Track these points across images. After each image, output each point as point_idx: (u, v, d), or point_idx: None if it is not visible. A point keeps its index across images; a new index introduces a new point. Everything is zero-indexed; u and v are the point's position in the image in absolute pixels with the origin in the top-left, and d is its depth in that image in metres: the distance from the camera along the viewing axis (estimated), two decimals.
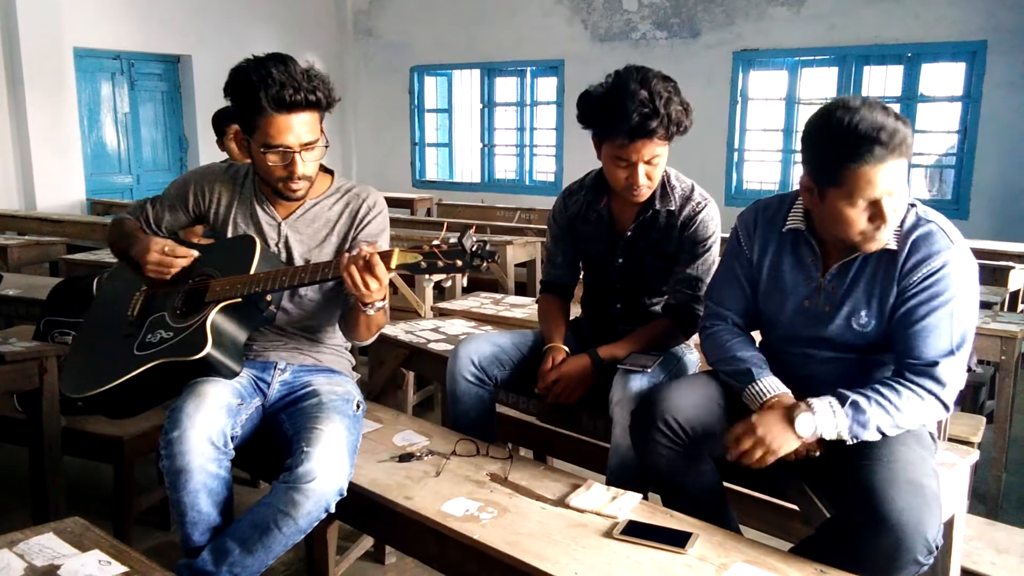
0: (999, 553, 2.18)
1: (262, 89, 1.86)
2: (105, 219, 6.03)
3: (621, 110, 2.02)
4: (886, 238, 1.70)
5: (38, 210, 6.99)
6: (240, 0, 8.85)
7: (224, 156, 3.95)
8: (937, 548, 1.53)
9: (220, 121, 3.88)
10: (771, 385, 1.80)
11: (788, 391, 1.79)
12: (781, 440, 1.67)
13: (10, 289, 3.58)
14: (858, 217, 1.65)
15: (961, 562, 2.02)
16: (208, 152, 8.41)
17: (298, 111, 1.91)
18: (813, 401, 1.68)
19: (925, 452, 1.70)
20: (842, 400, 1.68)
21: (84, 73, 7.67)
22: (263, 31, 9.06)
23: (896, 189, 1.63)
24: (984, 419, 3.12)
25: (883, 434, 1.67)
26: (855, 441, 1.68)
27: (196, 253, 2.01)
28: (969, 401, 3.78)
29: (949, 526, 1.83)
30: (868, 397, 1.67)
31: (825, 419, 1.66)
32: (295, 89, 1.88)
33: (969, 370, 2.60)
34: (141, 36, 7.99)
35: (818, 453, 1.72)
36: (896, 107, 7.32)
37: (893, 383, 1.69)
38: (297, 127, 1.91)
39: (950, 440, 2.52)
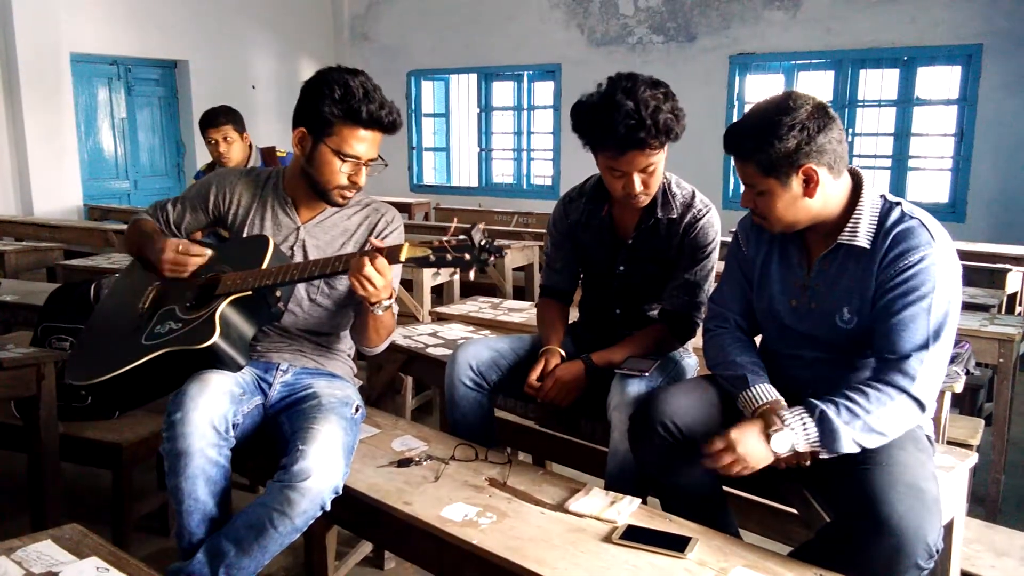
0: (998, 556, 2.18)
1: (364, 103, 1.95)
2: (103, 225, 6.03)
3: (608, 123, 2.01)
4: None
5: (35, 215, 6.98)
6: (237, 5, 8.86)
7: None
8: (938, 552, 1.53)
9: (200, 124, 4.01)
10: (764, 392, 1.80)
11: (781, 399, 1.79)
12: (759, 457, 1.67)
13: (7, 295, 3.57)
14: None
15: (960, 565, 2.03)
16: (205, 157, 8.38)
17: (379, 130, 2.02)
18: (787, 416, 1.67)
19: (923, 455, 1.70)
20: (811, 411, 1.66)
21: (81, 78, 7.66)
22: (260, 36, 9.07)
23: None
24: (983, 422, 3.13)
25: (861, 445, 1.64)
26: (833, 455, 1.65)
27: (210, 252, 2.07)
28: (967, 404, 3.78)
29: (948, 529, 1.83)
30: (837, 405, 1.64)
31: (799, 434, 1.65)
32: (388, 111, 2.00)
33: (967, 373, 2.63)
34: (138, 41, 7.99)
35: (808, 463, 1.71)
36: (892, 111, 7.39)
37: (862, 386, 1.68)
38: (372, 143, 2.03)
39: (948, 443, 2.52)
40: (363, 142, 2.00)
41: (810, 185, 1.72)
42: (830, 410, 1.64)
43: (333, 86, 1.96)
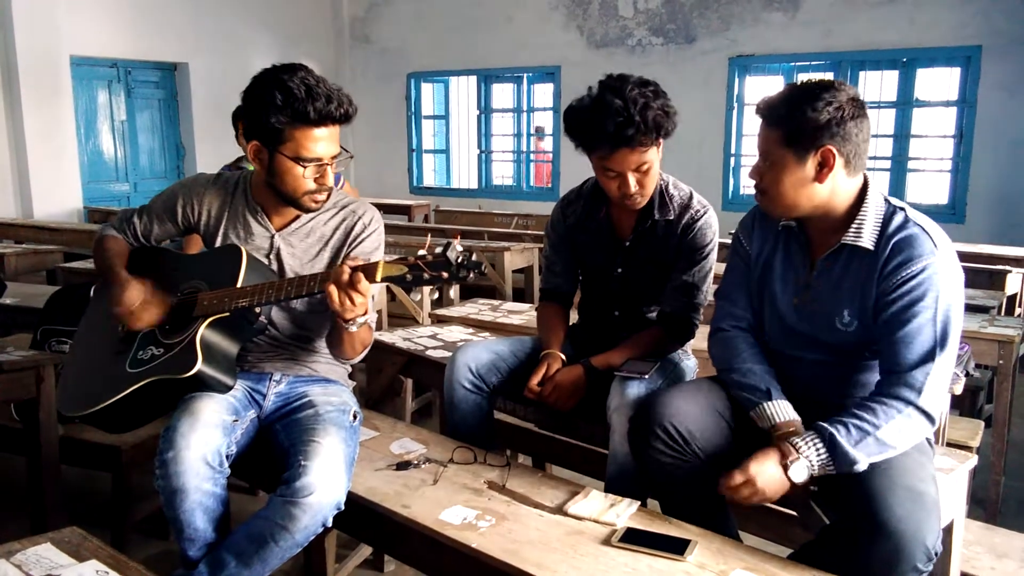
0: (998, 558, 2.17)
1: (310, 102, 1.84)
2: None
3: (598, 122, 2.02)
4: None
5: (35, 218, 6.98)
6: (236, 8, 8.86)
7: (239, 152, 3.97)
8: (936, 555, 1.53)
9: (238, 118, 3.91)
10: (783, 410, 1.79)
11: (798, 418, 1.77)
12: (776, 488, 1.64)
13: (7, 298, 3.57)
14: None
15: (960, 567, 2.02)
16: (205, 159, 8.43)
17: (333, 124, 1.91)
18: (800, 445, 1.65)
19: (923, 458, 1.70)
20: (821, 436, 1.64)
21: (81, 81, 7.67)
22: (259, 38, 9.06)
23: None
24: (982, 423, 3.12)
25: (873, 462, 1.62)
26: (846, 471, 1.63)
27: (160, 317, 1.96)
28: (967, 405, 3.78)
29: (948, 531, 1.83)
30: (847, 426, 1.62)
31: (813, 461, 1.64)
32: (338, 103, 1.89)
33: (967, 375, 2.63)
34: (138, 44, 8.00)
35: (814, 488, 1.70)
36: (892, 112, 7.39)
37: (869, 402, 1.67)
38: (330, 140, 1.92)
39: (948, 445, 2.52)
40: (319, 141, 1.90)
41: (824, 169, 1.71)
42: (840, 433, 1.62)
43: (273, 92, 1.85)
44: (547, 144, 9.60)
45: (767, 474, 1.64)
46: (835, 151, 1.69)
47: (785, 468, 1.64)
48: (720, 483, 1.70)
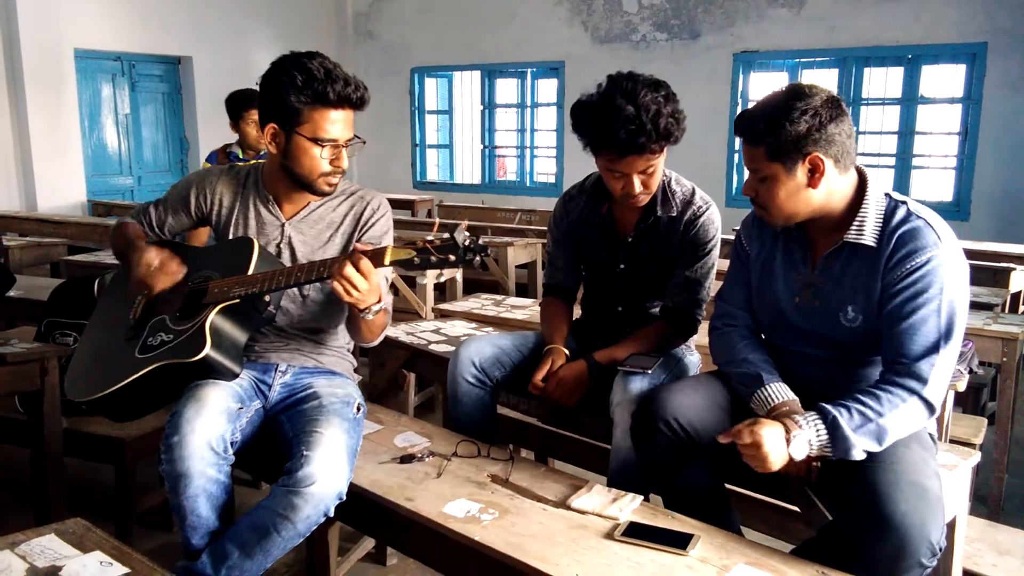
0: (1000, 555, 2.18)
1: (329, 83, 1.91)
2: (106, 221, 6.04)
3: (608, 127, 2.01)
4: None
5: (39, 211, 6.99)
6: (240, 2, 8.87)
7: (234, 138, 3.95)
8: (941, 550, 1.53)
9: (238, 104, 3.89)
10: (779, 391, 1.79)
11: (796, 398, 1.78)
12: (778, 458, 1.64)
13: (12, 290, 3.58)
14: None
15: (962, 564, 2.03)
16: (209, 153, 8.41)
17: (350, 108, 1.97)
18: (802, 421, 1.65)
19: (927, 454, 1.70)
20: (824, 417, 1.65)
21: (85, 74, 7.68)
22: (263, 33, 9.06)
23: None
24: (985, 420, 3.13)
25: (869, 451, 1.63)
26: (841, 457, 1.64)
27: (181, 276, 2.01)
28: (970, 403, 3.78)
29: (951, 528, 1.83)
30: (849, 410, 1.63)
31: (812, 440, 1.64)
32: (355, 87, 1.95)
33: (971, 372, 2.62)
34: (142, 37, 8.00)
35: (817, 464, 1.70)
36: (896, 109, 7.37)
37: (874, 389, 1.67)
38: (346, 123, 1.98)
39: (951, 442, 2.52)
40: (336, 123, 1.95)
41: (815, 175, 1.71)
42: (842, 417, 1.62)
43: (293, 73, 1.91)
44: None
45: (773, 442, 1.63)
46: (822, 156, 1.69)
47: (788, 442, 1.63)
48: (723, 439, 1.70)
